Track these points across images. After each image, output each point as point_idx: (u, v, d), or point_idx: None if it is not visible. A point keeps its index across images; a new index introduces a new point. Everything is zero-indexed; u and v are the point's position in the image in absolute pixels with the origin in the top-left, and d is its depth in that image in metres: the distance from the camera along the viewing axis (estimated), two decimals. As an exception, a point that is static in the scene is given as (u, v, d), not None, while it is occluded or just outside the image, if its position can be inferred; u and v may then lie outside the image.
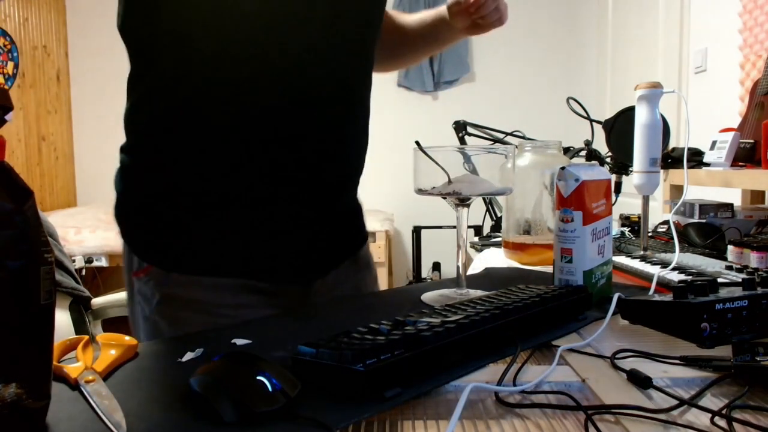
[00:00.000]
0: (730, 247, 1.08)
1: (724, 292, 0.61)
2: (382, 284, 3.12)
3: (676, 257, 0.94)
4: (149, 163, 0.81)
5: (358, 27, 0.83)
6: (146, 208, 0.80)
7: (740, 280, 0.63)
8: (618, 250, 1.28)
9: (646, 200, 1.14)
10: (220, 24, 0.74)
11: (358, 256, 0.95)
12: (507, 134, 2.05)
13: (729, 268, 0.90)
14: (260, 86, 0.76)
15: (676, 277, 0.85)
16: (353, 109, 0.85)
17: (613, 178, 1.39)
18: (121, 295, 1.70)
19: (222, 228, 0.79)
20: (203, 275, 0.78)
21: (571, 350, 0.62)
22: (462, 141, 2.18)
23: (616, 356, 0.59)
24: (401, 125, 3.97)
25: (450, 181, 0.80)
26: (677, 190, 1.77)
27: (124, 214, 0.83)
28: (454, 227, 0.87)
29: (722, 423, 0.44)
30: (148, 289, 0.79)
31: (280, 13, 0.75)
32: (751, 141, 1.52)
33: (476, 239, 1.88)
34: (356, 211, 0.95)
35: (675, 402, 0.47)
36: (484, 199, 2.06)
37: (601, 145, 1.52)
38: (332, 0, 0.78)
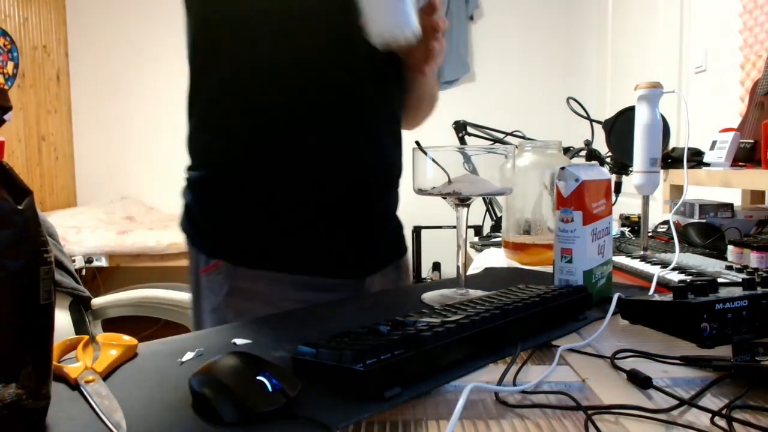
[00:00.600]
0: (730, 247, 1.08)
1: (724, 292, 0.61)
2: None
3: (676, 257, 0.94)
4: (217, 176, 0.90)
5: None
6: (215, 214, 0.90)
7: (740, 280, 0.63)
8: (618, 250, 1.28)
9: (646, 200, 1.14)
10: (276, 36, 0.84)
11: (401, 263, 1.05)
12: (507, 134, 2.06)
13: (729, 268, 0.90)
14: (315, 95, 0.85)
15: (676, 277, 0.85)
16: (393, 116, 0.97)
17: (613, 178, 1.39)
18: (121, 295, 1.70)
19: (285, 228, 0.88)
20: (267, 270, 0.86)
21: (571, 350, 0.62)
22: (462, 141, 2.18)
23: (616, 356, 0.59)
24: (401, 125, 3.95)
25: (450, 181, 0.80)
26: (677, 190, 1.77)
27: (192, 221, 0.93)
28: (454, 227, 0.87)
29: (722, 423, 0.44)
30: (216, 283, 0.87)
31: (332, 29, 0.85)
32: (751, 141, 1.52)
33: (476, 239, 1.88)
34: (399, 222, 1.06)
35: (675, 402, 0.47)
36: (484, 199, 2.06)
37: (601, 145, 1.52)
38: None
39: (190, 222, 0.93)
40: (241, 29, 0.85)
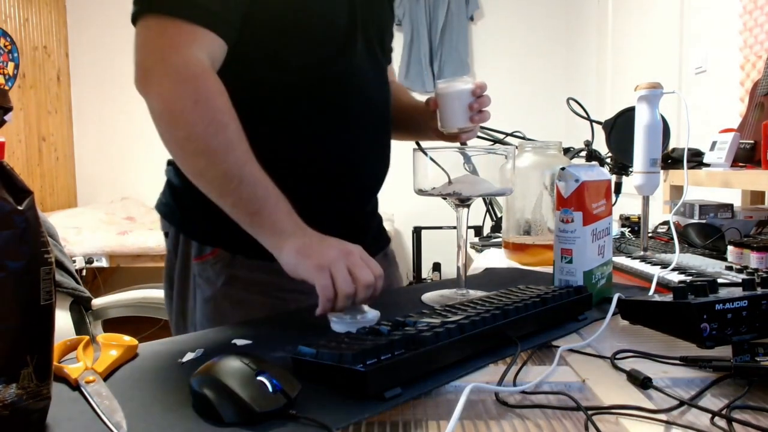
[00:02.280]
0: (730, 248, 1.08)
1: (724, 293, 0.61)
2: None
3: (676, 258, 0.94)
4: None
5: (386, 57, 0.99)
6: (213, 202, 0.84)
7: (740, 280, 0.63)
8: (618, 251, 1.28)
9: (646, 201, 1.14)
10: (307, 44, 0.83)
11: (387, 252, 1.06)
12: (507, 134, 2.05)
13: (729, 268, 0.90)
14: (325, 101, 0.86)
15: (676, 277, 0.85)
16: (389, 122, 0.98)
17: (613, 178, 1.39)
18: (122, 296, 1.70)
19: None
20: (265, 259, 0.80)
21: (572, 350, 0.62)
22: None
23: (616, 356, 0.59)
24: (401, 125, 3.95)
25: (450, 182, 0.81)
26: (677, 190, 1.77)
27: (182, 205, 0.88)
28: (454, 227, 0.87)
29: (722, 423, 0.44)
30: (212, 272, 0.85)
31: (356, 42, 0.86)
32: (751, 141, 1.52)
33: (476, 240, 1.88)
34: (380, 216, 1.07)
35: (675, 402, 0.47)
36: (484, 200, 2.06)
37: (601, 146, 1.52)
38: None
39: (180, 206, 0.89)
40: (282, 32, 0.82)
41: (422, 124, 0.99)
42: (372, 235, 1.01)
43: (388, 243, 1.08)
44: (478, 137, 2.24)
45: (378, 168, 0.95)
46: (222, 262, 0.85)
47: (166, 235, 0.93)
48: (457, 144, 0.98)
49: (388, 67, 1.02)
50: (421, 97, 1.05)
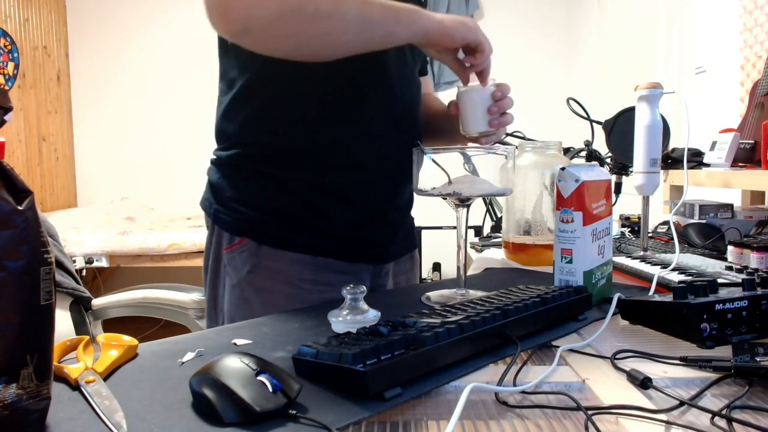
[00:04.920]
0: (730, 248, 1.08)
1: (724, 293, 0.61)
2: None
3: (676, 258, 0.94)
4: (252, 157, 0.91)
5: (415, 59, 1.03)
6: (244, 193, 0.92)
7: (740, 280, 0.63)
8: (618, 251, 1.28)
9: (646, 200, 1.14)
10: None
11: (414, 254, 1.10)
12: (507, 134, 2.05)
13: (729, 268, 0.89)
14: (362, 99, 0.90)
15: (676, 277, 0.85)
16: (417, 121, 1.03)
17: (613, 178, 1.39)
18: (122, 296, 1.70)
19: (315, 213, 0.90)
20: (289, 250, 0.88)
21: (572, 350, 0.62)
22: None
23: (616, 356, 0.59)
24: (401, 125, 3.95)
25: (450, 182, 0.81)
26: (677, 190, 1.77)
27: (219, 199, 0.94)
28: (454, 227, 0.87)
29: (722, 423, 0.44)
30: (239, 260, 0.90)
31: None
32: (751, 141, 1.52)
33: (476, 239, 1.88)
34: (413, 218, 1.09)
35: (675, 402, 0.47)
36: (484, 200, 2.06)
37: (601, 146, 1.52)
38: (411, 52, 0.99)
39: (217, 200, 0.94)
40: None
41: (451, 129, 1.00)
42: (403, 234, 1.04)
43: (415, 248, 1.10)
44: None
45: (406, 162, 0.95)
46: (248, 251, 0.89)
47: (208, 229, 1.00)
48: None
49: (423, 79, 1.07)
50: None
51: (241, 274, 0.90)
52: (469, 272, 1.36)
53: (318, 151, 0.90)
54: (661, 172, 1.19)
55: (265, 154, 0.90)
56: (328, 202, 0.91)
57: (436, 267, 4.03)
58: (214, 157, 0.97)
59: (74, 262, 3.01)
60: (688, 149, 1.33)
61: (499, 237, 1.83)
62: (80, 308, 1.51)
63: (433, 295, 0.87)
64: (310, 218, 0.90)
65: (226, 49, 0.93)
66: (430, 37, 0.80)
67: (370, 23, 0.76)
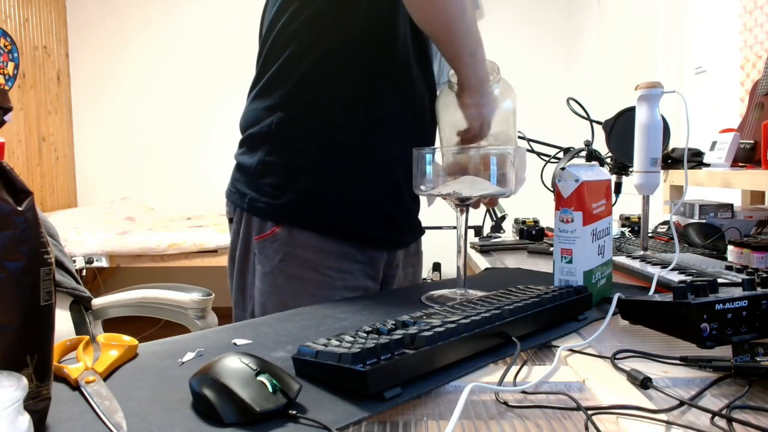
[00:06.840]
0: (730, 248, 1.08)
1: (723, 293, 0.61)
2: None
3: (676, 257, 0.94)
4: (296, 125, 0.95)
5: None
6: (281, 186, 0.96)
7: (740, 280, 0.63)
8: (618, 250, 1.28)
9: (646, 200, 1.14)
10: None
11: (420, 244, 1.16)
12: (507, 135, 2.05)
13: (729, 268, 0.89)
14: (396, 97, 0.99)
15: (676, 277, 0.85)
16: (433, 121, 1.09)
17: (613, 178, 1.39)
18: (122, 296, 1.70)
19: (339, 200, 0.95)
20: (319, 233, 0.94)
21: (572, 350, 0.62)
22: (462, 141, 2.16)
23: (616, 356, 0.59)
24: (401, 125, 3.95)
25: (450, 182, 0.80)
26: (677, 190, 1.77)
27: (252, 185, 0.97)
28: (454, 227, 0.87)
29: (722, 423, 0.44)
30: (271, 250, 0.95)
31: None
32: (751, 141, 1.52)
33: (476, 239, 1.87)
34: (418, 204, 1.14)
35: (675, 402, 0.47)
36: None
37: (601, 145, 1.52)
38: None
39: (250, 188, 0.97)
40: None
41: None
42: (413, 217, 1.08)
43: (423, 232, 1.15)
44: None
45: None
46: (280, 241, 0.94)
47: (230, 221, 1.03)
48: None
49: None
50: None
51: (273, 262, 0.94)
52: (469, 272, 1.36)
53: (358, 125, 0.95)
54: (661, 171, 1.19)
55: (308, 124, 0.94)
56: (350, 182, 0.96)
57: (436, 267, 4.03)
58: (249, 141, 0.99)
59: (74, 262, 3.01)
60: (688, 149, 1.33)
61: (499, 237, 1.84)
62: (80, 308, 1.51)
63: (433, 295, 0.87)
64: (342, 197, 0.95)
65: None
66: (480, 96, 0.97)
67: (473, 33, 1.02)
